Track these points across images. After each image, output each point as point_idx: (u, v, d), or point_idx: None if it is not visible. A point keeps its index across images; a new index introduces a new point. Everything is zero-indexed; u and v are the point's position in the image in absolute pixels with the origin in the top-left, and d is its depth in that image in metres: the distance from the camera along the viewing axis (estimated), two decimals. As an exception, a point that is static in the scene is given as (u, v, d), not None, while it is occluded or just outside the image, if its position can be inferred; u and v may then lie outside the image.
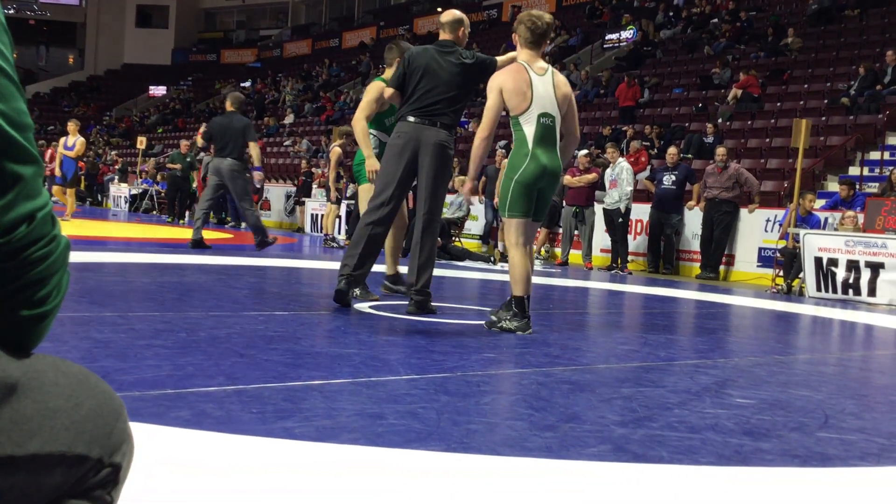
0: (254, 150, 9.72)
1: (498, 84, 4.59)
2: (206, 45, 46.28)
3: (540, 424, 2.61)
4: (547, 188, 4.63)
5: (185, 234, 13.99)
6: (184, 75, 43.74)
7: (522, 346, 4.25)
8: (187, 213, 17.89)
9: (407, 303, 5.23)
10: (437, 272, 5.76)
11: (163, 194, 21.31)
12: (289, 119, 28.60)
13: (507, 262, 5.05)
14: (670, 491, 2.07)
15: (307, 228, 17.34)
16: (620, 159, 11.61)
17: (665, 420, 2.78)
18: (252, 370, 3.13)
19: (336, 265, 5.40)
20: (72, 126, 14.22)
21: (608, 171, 11.74)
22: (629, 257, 11.84)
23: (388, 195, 5.10)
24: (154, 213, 21.42)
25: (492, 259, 11.36)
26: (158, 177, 22.33)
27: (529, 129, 4.54)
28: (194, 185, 18.20)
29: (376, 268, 5.65)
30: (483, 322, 4.86)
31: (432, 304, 5.21)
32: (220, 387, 2.80)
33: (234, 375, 3.00)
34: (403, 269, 5.84)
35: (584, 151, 12.00)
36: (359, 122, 5.64)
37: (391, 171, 5.13)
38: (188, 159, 17.82)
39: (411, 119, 5.08)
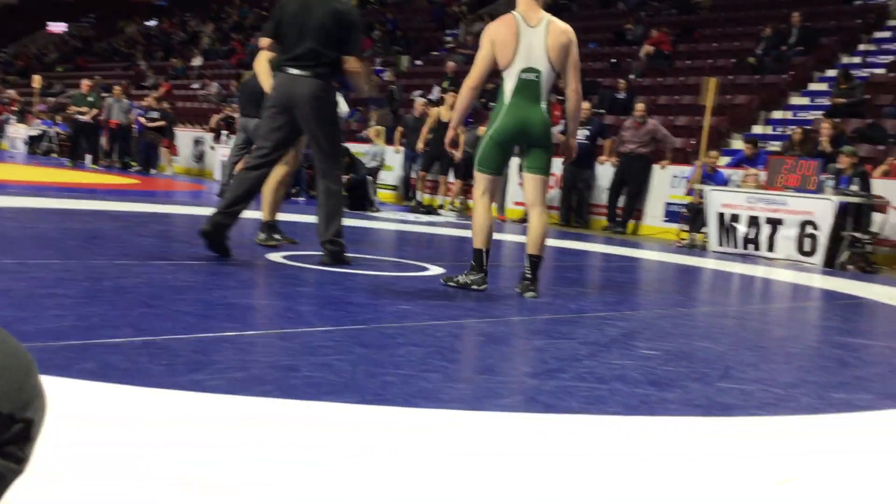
0: None
1: (490, 35, 4.45)
2: (109, -21, 44.15)
3: (454, 376, 2.64)
4: (527, 142, 4.50)
5: (88, 178, 13.48)
6: (85, 12, 41.67)
7: (437, 298, 4.27)
8: (88, 157, 17.22)
9: (321, 254, 5.18)
10: (352, 222, 5.71)
11: (63, 136, 20.42)
12: (197, 61, 27.68)
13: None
14: (580, 440, 2.13)
15: (217, 175, 16.93)
16: None
17: (575, 371, 2.84)
18: (161, 321, 3.06)
19: (249, 215, 5.29)
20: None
21: None
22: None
23: (266, 151, 4.97)
24: (54, 155, 20.53)
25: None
26: (58, 118, 21.37)
27: (510, 83, 4.41)
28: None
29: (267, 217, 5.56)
30: (425, 277, 4.86)
31: (347, 254, 5.16)
32: (127, 338, 2.72)
33: (142, 327, 2.93)
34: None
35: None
36: (258, 64, 5.46)
37: (266, 127, 5.00)
38: (90, 100, 17.10)
39: (285, 70, 4.92)
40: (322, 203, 5.06)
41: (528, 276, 4.55)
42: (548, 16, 4.54)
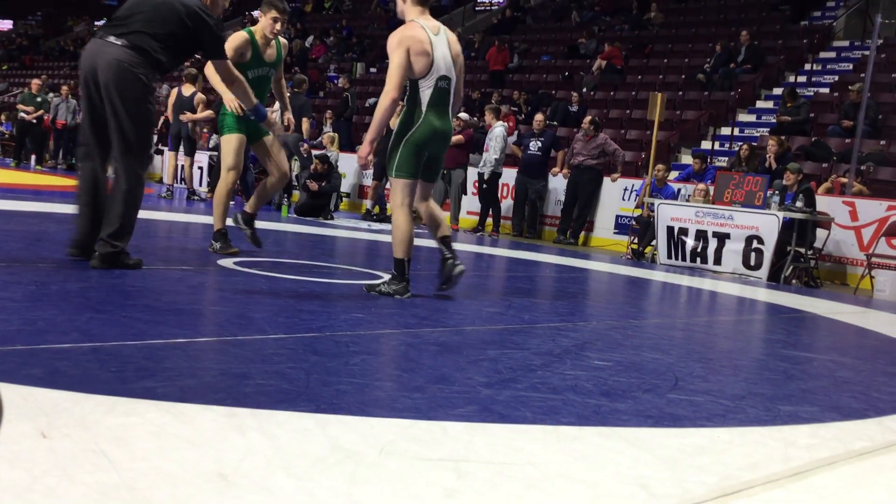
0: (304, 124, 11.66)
1: (405, 42, 4.36)
2: (57, -23, 43.36)
3: (409, 385, 2.63)
4: (438, 151, 4.58)
5: (33, 179, 13.18)
6: (32, 9, 40.82)
7: (391, 307, 4.26)
8: (33, 157, 16.83)
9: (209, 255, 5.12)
10: (305, 229, 5.67)
11: (7, 136, 19.94)
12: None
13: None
14: (534, 451, 2.14)
15: (167, 179, 16.66)
16: (497, 123, 11.62)
17: (529, 381, 2.86)
18: (109, 327, 3.00)
19: (196, 218, 5.22)
20: None
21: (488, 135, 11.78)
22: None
23: (87, 146, 4.56)
24: (-3, 155, 20.04)
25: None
26: (3, 117, 20.86)
27: (427, 92, 4.43)
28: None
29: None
30: (362, 284, 4.83)
31: (130, 260, 4.49)
32: (75, 343, 2.67)
33: (91, 332, 2.87)
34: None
35: (465, 115, 12.07)
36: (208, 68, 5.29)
37: (83, 119, 4.57)
38: (38, 100, 16.73)
39: (98, 38, 4.44)
40: (114, 196, 4.45)
41: (449, 255, 4.69)
42: (440, 24, 4.63)
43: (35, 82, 17.41)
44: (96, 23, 34.82)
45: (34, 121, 16.63)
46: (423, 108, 4.44)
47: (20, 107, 17.09)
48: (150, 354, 2.65)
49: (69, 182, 13.29)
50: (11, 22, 39.69)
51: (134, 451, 1.80)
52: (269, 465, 1.80)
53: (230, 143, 5.68)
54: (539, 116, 12.29)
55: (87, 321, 3.05)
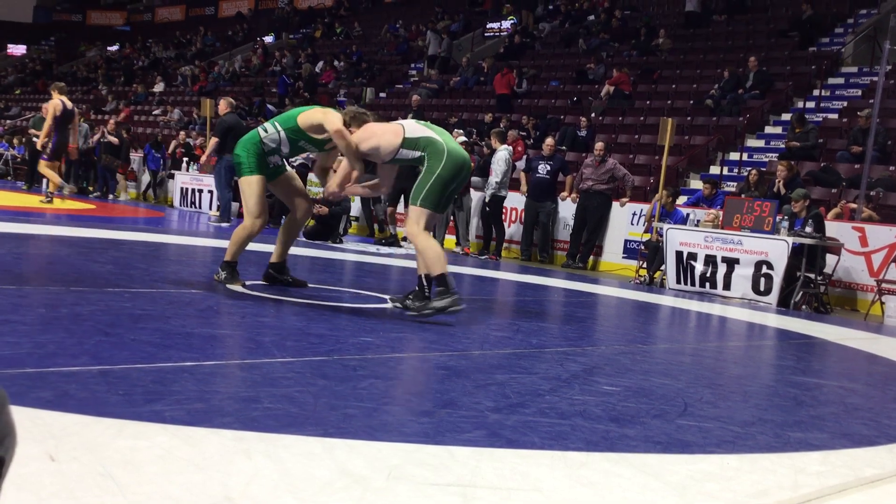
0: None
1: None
2: (71, 4, 43.87)
3: (417, 410, 2.63)
4: (460, 185, 4.96)
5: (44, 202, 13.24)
6: (46, 35, 41.33)
7: (398, 331, 4.26)
8: (45, 181, 16.89)
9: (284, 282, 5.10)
10: (314, 253, 5.68)
11: (19, 159, 20.10)
12: (159, 87, 27.52)
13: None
14: (541, 476, 2.13)
15: (176, 202, 16.76)
16: (501, 147, 11.65)
17: (537, 406, 2.85)
18: (118, 350, 3.01)
19: (206, 242, 5.24)
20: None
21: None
22: (504, 244, 12.03)
23: None
24: (8, 178, 20.18)
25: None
26: (15, 140, 21.04)
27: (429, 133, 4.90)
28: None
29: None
30: (398, 308, 4.89)
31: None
32: (84, 366, 2.68)
33: (100, 355, 2.88)
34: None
35: (463, 138, 12.08)
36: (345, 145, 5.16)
37: None
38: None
39: None
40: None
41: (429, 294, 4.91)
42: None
43: (46, 107, 17.54)
44: (108, 48, 35.20)
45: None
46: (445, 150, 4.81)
47: (32, 131, 17.23)
48: (158, 378, 2.65)
49: (80, 206, 13.37)
50: (25, 47, 40.14)
51: (141, 475, 1.80)
52: (275, 490, 1.80)
53: (254, 187, 5.26)
54: (549, 140, 12.32)
55: (97, 344, 3.06)
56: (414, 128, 4.91)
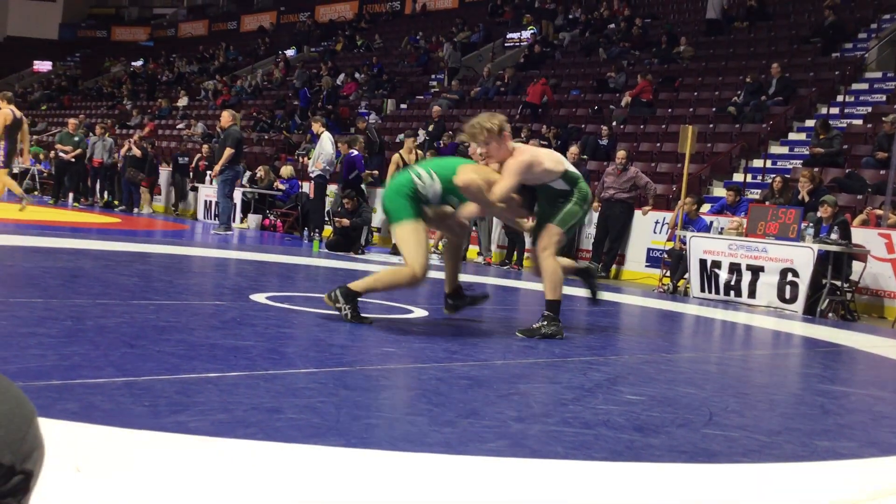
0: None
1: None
2: (96, 20, 44.48)
3: (439, 420, 2.62)
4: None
5: (70, 216, 13.41)
6: (71, 51, 41.92)
7: (421, 341, 4.26)
8: (70, 195, 17.12)
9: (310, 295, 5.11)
10: (337, 264, 5.69)
11: (46, 174, 20.36)
12: (182, 101, 27.79)
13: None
14: (567, 486, 2.12)
15: (200, 215, 16.89)
16: None
17: (560, 416, 2.83)
18: (143, 362, 3.03)
19: (229, 254, 5.28)
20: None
21: None
22: (526, 254, 12.00)
23: None
24: (36, 193, 20.43)
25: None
26: (41, 156, 21.32)
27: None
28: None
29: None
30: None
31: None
32: (109, 378, 2.70)
33: (125, 367, 2.90)
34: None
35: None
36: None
37: None
38: (76, 139, 17.09)
39: None
40: None
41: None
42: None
43: (72, 122, 17.79)
44: (133, 63, 35.61)
45: (72, 160, 16.96)
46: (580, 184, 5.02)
47: (58, 146, 17.45)
48: (182, 389, 2.67)
49: (105, 219, 13.51)
50: (51, 63, 40.71)
51: (165, 486, 1.80)
52: (299, 501, 1.80)
53: (419, 234, 4.68)
54: (574, 149, 12.30)
55: (122, 356, 3.08)
56: (564, 161, 5.09)
